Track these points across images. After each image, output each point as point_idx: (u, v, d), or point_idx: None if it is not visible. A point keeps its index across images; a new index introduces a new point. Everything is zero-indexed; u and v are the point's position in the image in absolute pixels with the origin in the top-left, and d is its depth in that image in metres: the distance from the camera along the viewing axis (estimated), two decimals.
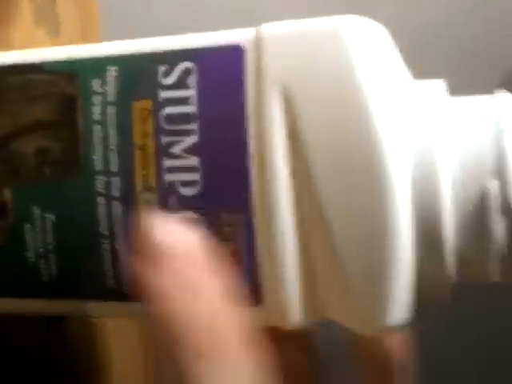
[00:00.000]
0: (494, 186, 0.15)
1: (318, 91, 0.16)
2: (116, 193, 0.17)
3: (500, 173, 0.15)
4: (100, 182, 0.17)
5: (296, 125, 0.16)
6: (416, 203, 0.15)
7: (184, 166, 0.16)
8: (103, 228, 0.17)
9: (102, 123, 0.17)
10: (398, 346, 0.19)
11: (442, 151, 0.16)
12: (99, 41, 0.31)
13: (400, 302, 0.15)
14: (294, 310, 0.16)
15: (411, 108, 0.16)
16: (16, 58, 0.19)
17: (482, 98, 0.16)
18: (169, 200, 0.17)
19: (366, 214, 0.15)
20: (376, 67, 0.16)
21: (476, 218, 0.15)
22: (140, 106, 0.17)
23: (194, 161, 0.16)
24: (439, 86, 0.16)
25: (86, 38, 0.30)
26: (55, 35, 0.28)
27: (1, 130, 0.18)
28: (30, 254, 0.18)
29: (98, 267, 0.18)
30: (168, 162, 0.17)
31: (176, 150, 0.17)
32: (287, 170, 0.16)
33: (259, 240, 0.16)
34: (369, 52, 0.16)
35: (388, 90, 0.16)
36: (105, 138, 0.17)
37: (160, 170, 0.17)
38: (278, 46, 0.16)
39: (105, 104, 0.17)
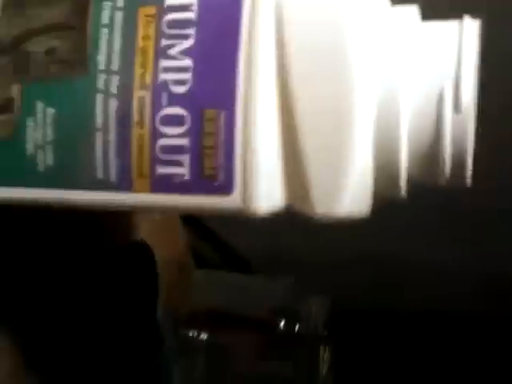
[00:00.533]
0: (448, 85, 0.17)
1: (304, 9, 0.17)
2: (114, 90, 0.19)
3: (455, 75, 0.17)
4: (101, 80, 0.19)
5: (283, 37, 0.17)
6: (377, 101, 0.17)
7: (178, 67, 0.18)
8: (98, 122, 0.19)
9: (109, 26, 0.19)
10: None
11: (406, 67, 0.17)
12: None
13: (354, 195, 0.17)
14: (260, 198, 0.17)
15: (384, 33, 0.18)
16: None
17: (449, 24, 0.18)
18: (161, 97, 0.18)
19: (332, 109, 0.17)
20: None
21: (430, 118, 0.17)
22: (145, 11, 0.19)
23: (187, 62, 0.18)
24: (411, 12, 0.18)
25: None
26: None
27: (15, 30, 0.20)
28: (30, 146, 0.20)
29: (90, 159, 0.19)
30: (164, 63, 0.18)
31: (173, 51, 0.18)
32: (270, 77, 0.17)
33: (238, 134, 0.17)
34: None
35: (363, 13, 0.17)
36: (110, 40, 0.19)
37: (156, 70, 0.18)
38: None
39: (113, 9, 0.19)
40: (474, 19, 0.18)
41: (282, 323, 0.34)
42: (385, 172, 0.17)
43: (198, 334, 0.35)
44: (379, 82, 0.17)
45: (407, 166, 0.17)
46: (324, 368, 0.34)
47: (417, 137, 0.17)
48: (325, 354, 0.35)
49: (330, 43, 0.17)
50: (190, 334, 0.36)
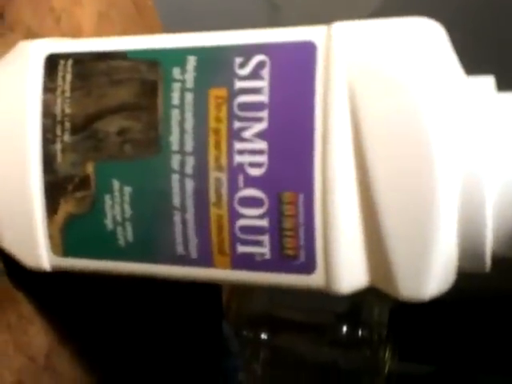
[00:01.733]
0: None
1: (379, 88, 0.17)
2: (189, 171, 0.19)
3: None
4: (175, 161, 0.19)
5: (358, 117, 0.17)
6: (460, 178, 0.17)
7: (253, 149, 0.18)
8: (176, 201, 0.19)
9: (180, 108, 0.19)
10: None
11: (487, 142, 0.17)
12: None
13: (439, 276, 0.17)
14: (343, 278, 0.18)
15: (462, 109, 0.18)
16: (103, 45, 0.21)
17: None
18: (237, 179, 0.19)
19: (413, 187, 0.17)
20: (433, 69, 0.17)
21: None
22: (216, 93, 0.19)
23: (262, 145, 0.18)
24: (488, 83, 0.18)
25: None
26: None
27: (87, 109, 0.20)
28: (108, 222, 0.20)
29: (169, 235, 0.19)
30: (238, 145, 0.18)
31: (247, 134, 0.18)
32: (348, 163, 0.18)
33: (317, 215, 0.18)
34: (434, 57, 0.17)
35: (442, 90, 0.17)
36: (182, 121, 0.19)
37: (231, 152, 0.19)
38: (348, 46, 0.18)
39: (183, 90, 0.19)
40: None
41: (345, 327, 0.35)
42: (469, 250, 0.18)
43: (260, 338, 0.36)
44: (461, 159, 0.17)
45: (492, 243, 0.18)
46: (386, 368, 0.35)
47: (501, 213, 0.17)
48: (386, 354, 0.35)
49: (408, 125, 0.17)
50: (252, 338, 0.37)
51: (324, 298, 0.37)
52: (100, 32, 0.27)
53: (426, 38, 0.18)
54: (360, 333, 0.35)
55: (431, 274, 0.17)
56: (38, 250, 0.21)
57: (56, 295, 0.24)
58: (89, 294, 0.26)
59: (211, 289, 0.36)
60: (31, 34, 0.23)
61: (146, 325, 0.31)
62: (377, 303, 0.36)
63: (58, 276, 0.22)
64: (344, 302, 0.36)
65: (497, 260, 0.18)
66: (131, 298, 0.29)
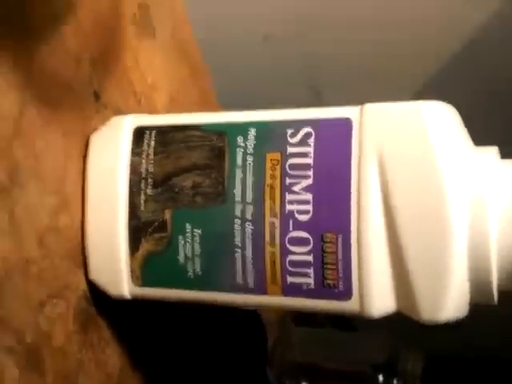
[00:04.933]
0: None
1: (404, 160, 0.23)
2: (249, 217, 0.24)
3: None
4: (238, 209, 0.24)
5: (386, 182, 0.23)
6: (468, 226, 0.22)
7: (301, 200, 0.24)
8: (237, 241, 0.24)
9: (243, 167, 0.24)
10: None
11: (492, 206, 0.22)
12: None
13: (454, 303, 0.22)
14: (375, 304, 0.23)
15: (472, 176, 0.23)
16: (181, 119, 0.26)
17: None
18: (288, 223, 0.24)
19: (433, 242, 0.22)
20: (448, 144, 0.23)
21: None
22: (271, 156, 0.24)
23: (308, 196, 0.24)
24: (493, 153, 0.23)
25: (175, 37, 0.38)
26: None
27: (166, 169, 0.26)
28: (181, 257, 0.25)
29: (231, 268, 0.25)
30: (289, 197, 0.24)
31: (296, 188, 0.24)
32: (377, 210, 0.23)
33: (353, 251, 0.23)
34: (443, 132, 0.23)
35: (456, 161, 0.23)
36: (244, 178, 0.24)
37: (283, 202, 0.24)
38: (376, 122, 0.23)
39: (245, 154, 0.24)
40: None
41: (381, 377, 0.39)
42: (478, 285, 0.22)
43: None
44: (470, 219, 0.22)
45: (498, 279, 0.23)
46: None
47: (505, 253, 0.22)
48: None
49: (428, 193, 0.22)
50: None
51: (362, 349, 0.41)
52: (170, 111, 0.32)
53: (441, 121, 0.23)
54: (395, 382, 0.39)
55: (447, 301, 0.22)
56: (121, 281, 0.26)
57: (130, 322, 0.29)
58: (158, 324, 0.31)
59: (258, 335, 0.40)
60: (119, 111, 0.28)
61: (199, 361, 0.35)
62: (411, 356, 0.40)
63: (133, 305, 0.27)
64: (381, 354, 0.40)
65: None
66: (190, 336, 0.34)
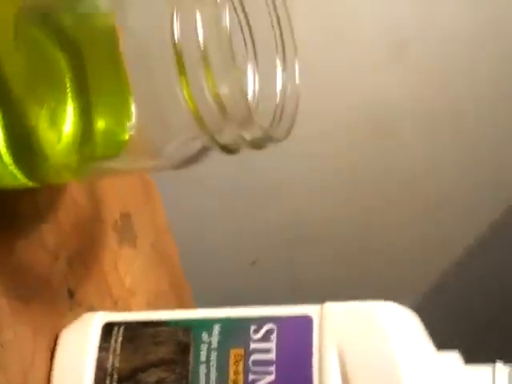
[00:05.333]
0: None
1: (363, 356, 0.23)
2: None
3: None
4: None
5: (346, 376, 0.23)
6: None
7: None
8: None
9: (207, 363, 0.25)
10: None
11: None
12: None
13: None
14: None
15: (433, 376, 0.23)
16: (150, 316, 0.27)
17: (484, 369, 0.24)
18: None
19: None
20: (405, 346, 0.23)
21: None
22: (235, 352, 0.25)
23: None
24: (454, 358, 0.24)
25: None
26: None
27: (134, 363, 0.26)
28: None
29: None
30: None
31: None
32: None
33: None
34: (400, 334, 0.24)
35: (415, 361, 0.23)
36: (207, 374, 0.25)
37: None
38: (335, 320, 0.24)
39: (209, 350, 0.25)
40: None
41: None
42: None
43: None
44: None
45: None
46: None
47: None
48: None
49: None
50: None
51: None
52: None
53: (399, 322, 0.24)
54: None
55: None
56: None
57: None
58: None
59: None
60: (93, 310, 0.29)
61: None
62: None
63: None
64: None
65: None
66: None
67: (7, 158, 0.21)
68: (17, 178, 0.21)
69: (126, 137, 0.21)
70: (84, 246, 0.30)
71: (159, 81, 0.20)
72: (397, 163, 0.56)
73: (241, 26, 0.23)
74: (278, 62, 0.23)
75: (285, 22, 0.23)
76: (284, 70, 0.23)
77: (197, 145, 0.21)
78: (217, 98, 0.19)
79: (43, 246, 0.27)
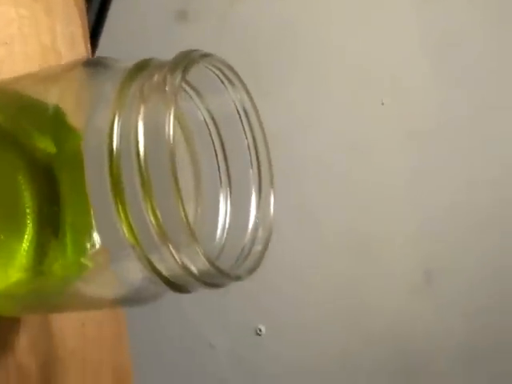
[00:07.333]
0: None
1: None
2: None
3: None
4: None
5: None
6: None
7: None
8: None
9: None
10: None
11: None
12: None
13: None
14: None
15: None
16: None
17: None
18: None
19: None
20: None
21: None
22: None
23: None
24: None
25: None
26: None
27: None
28: None
29: None
30: None
31: None
32: None
33: None
34: None
35: None
36: None
37: None
38: None
39: None
40: None
41: None
42: None
43: None
44: None
45: None
46: None
47: None
48: None
49: None
50: None
51: None
52: None
53: None
54: None
55: None
56: None
57: None
58: None
59: None
60: None
61: None
62: None
63: None
64: None
65: None
66: None
67: None
68: None
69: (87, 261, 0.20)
70: None
71: (105, 197, 0.19)
72: None
73: (216, 153, 0.22)
74: (254, 196, 0.22)
75: (263, 154, 0.22)
76: (258, 207, 0.22)
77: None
78: (155, 219, 0.18)
79: None
